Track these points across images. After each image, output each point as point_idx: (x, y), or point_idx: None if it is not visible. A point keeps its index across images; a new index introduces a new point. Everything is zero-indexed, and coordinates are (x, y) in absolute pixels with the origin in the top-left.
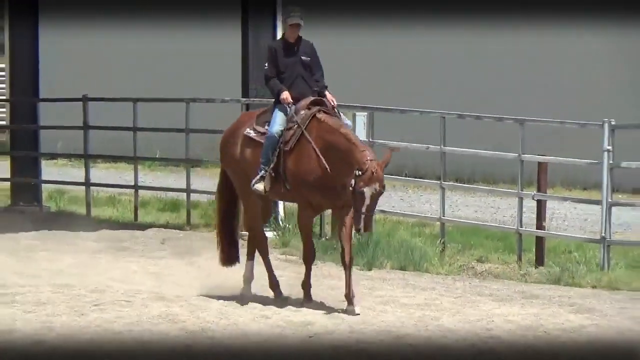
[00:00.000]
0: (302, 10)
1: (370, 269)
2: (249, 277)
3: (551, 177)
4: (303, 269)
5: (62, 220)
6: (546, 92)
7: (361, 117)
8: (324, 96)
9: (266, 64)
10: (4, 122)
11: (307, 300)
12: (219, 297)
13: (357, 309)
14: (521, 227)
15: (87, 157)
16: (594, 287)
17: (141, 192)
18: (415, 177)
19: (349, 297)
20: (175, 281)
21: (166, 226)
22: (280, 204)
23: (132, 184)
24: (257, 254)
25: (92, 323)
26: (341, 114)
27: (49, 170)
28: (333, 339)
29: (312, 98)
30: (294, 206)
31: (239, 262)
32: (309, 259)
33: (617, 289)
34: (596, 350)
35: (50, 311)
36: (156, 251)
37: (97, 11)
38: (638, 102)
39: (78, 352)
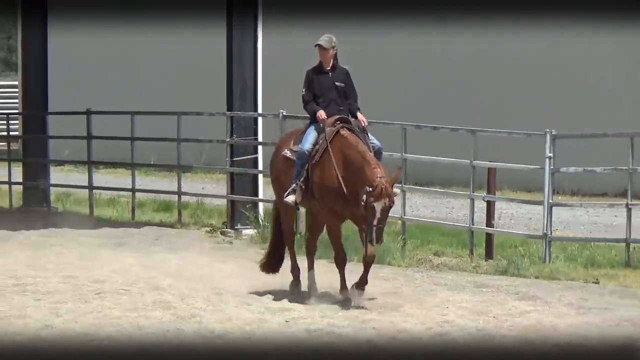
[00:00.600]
0: (331, 36)
1: None
2: (310, 285)
3: (499, 181)
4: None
5: (67, 220)
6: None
7: None
8: (356, 117)
9: (303, 89)
10: (17, 133)
11: (346, 302)
12: (206, 287)
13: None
14: (473, 225)
15: (90, 164)
16: (536, 277)
17: (138, 194)
18: None
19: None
20: (168, 273)
21: (160, 225)
22: (261, 205)
23: (130, 187)
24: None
25: (94, 309)
26: (369, 134)
27: (57, 175)
28: (307, 322)
29: (338, 116)
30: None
31: (277, 271)
32: (340, 263)
33: (556, 279)
34: (538, 331)
35: (57, 299)
36: (151, 246)
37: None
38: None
39: (81, 335)
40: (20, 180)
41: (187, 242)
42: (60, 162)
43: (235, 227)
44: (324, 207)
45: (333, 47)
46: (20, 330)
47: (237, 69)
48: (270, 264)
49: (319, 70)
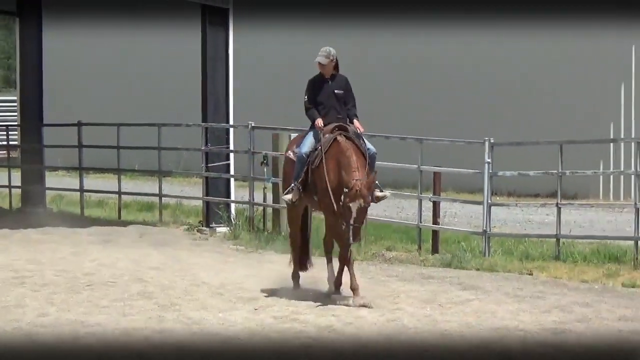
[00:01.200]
0: (330, 49)
1: None
2: (329, 277)
3: (444, 184)
4: (251, 255)
5: (61, 219)
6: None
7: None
8: (353, 123)
9: (306, 96)
10: (15, 142)
11: (357, 296)
12: (184, 279)
13: (360, 300)
14: (421, 222)
15: (81, 170)
16: (477, 269)
17: (123, 196)
18: None
19: (354, 288)
20: (151, 266)
21: (143, 223)
22: (233, 205)
23: (117, 190)
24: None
25: (85, 299)
26: (364, 139)
27: (51, 179)
28: (273, 310)
29: (336, 124)
30: (243, 206)
31: (308, 268)
32: (342, 261)
33: (495, 270)
34: (478, 317)
35: (52, 290)
36: (135, 243)
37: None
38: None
39: (73, 321)
40: (19, 184)
41: (167, 238)
42: (55, 168)
43: (210, 225)
44: (323, 207)
45: (331, 60)
46: (19, 318)
47: (211, 86)
48: (301, 262)
49: (319, 79)
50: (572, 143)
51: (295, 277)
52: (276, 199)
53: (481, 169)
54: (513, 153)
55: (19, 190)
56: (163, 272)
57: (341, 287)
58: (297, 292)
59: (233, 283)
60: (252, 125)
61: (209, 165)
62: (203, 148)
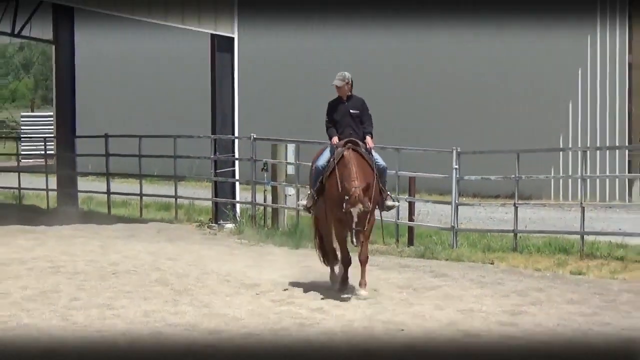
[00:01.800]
0: (345, 73)
1: (297, 248)
2: (337, 275)
3: (418, 187)
4: (253, 248)
5: (91, 217)
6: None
7: (291, 147)
8: (364, 140)
9: (326, 117)
10: (52, 152)
11: (363, 289)
12: (196, 268)
13: (365, 293)
14: (398, 219)
15: (108, 175)
16: (446, 259)
17: (144, 198)
18: None
19: (362, 284)
20: (167, 257)
21: (161, 221)
22: (238, 205)
23: (138, 192)
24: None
25: (111, 286)
26: (374, 152)
27: (82, 183)
28: (272, 294)
29: (348, 139)
30: (246, 206)
31: (336, 264)
32: (346, 264)
33: (461, 260)
34: (447, 300)
35: (83, 278)
36: (154, 237)
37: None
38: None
39: (101, 305)
40: (55, 187)
41: (181, 233)
42: (85, 174)
43: (218, 222)
44: (330, 214)
45: (347, 83)
46: (55, 302)
47: (219, 103)
48: (328, 259)
49: (337, 100)
50: (528, 151)
51: (333, 277)
52: (275, 200)
53: (450, 174)
54: (477, 160)
55: (54, 193)
56: (178, 263)
57: (346, 285)
58: (292, 280)
59: (238, 272)
60: (254, 136)
61: (217, 171)
62: (212, 156)
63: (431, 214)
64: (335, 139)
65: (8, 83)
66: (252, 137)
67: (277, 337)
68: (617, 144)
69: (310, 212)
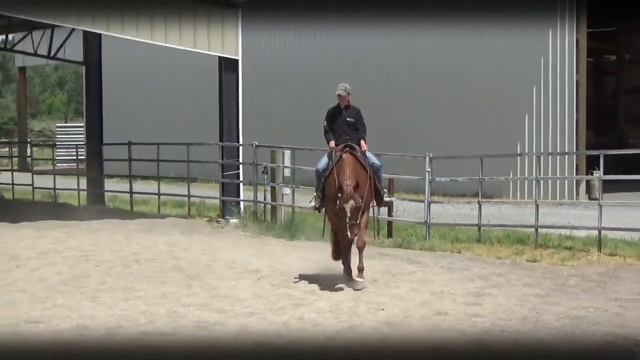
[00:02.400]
0: (346, 84)
1: (293, 240)
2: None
3: (396, 187)
4: (255, 240)
5: (116, 214)
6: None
7: (287, 153)
8: (359, 144)
9: (325, 123)
10: (83, 157)
11: (360, 275)
12: (206, 257)
13: (360, 280)
14: (379, 215)
15: (131, 177)
16: (420, 249)
17: (162, 197)
18: None
19: (360, 268)
20: (182, 247)
21: (176, 216)
22: (242, 203)
23: (157, 192)
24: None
25: (133, 272)
26: (369, 155)
27: (108, 184)
28: (271, 279)
29: (345, 144)
30: (249, 204)
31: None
32: (344, 254)
33: (433, 250)
34: (422, 283)
35: (109, 265)
36: (170, 230)
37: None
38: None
39: (124, 288)
40: (85, 188)
41: (194, 227)
42: (111, 176)
43: (225, 218)
44: (329, 211)
45: (348, 93)
46: (85, 285)
47: (226, 115)
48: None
49: (336, 109)
50: (490, 156)
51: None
52: (273, 198)
53: (423, 176)
54: (446, 164)
55: (84, 192)
56: (191, 252)
57: (353, 275)
58: (288, 266)
59: (242, 260)
60: (256, 144)
61: (224, 173)
62: (220, 161)
63: (407, 210)
64: (332, 143)
65: (45, 98)
66: (254, 145)
67: (276, 315)
68: (566, 150)
69: (319, 212)
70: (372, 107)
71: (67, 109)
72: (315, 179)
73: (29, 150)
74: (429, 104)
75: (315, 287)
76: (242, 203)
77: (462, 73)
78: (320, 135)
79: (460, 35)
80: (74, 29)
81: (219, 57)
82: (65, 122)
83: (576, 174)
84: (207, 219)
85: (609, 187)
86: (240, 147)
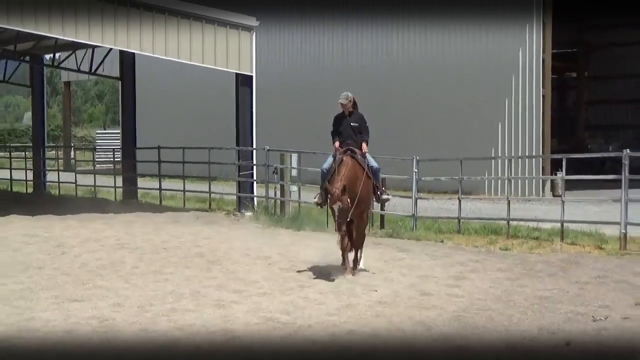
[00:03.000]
0: (348, 93)
1: (299, 230)
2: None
3: (388, 185)
4: (267, 230)
5: (147, 208)
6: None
7: (294, 156)
8: (361, 146)
9: (332, 127)
10: (119, 159)
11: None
12: (225, 245)
13: (359, 266)
14: (373, 209)
15: (160, 176)
16: (408, 239)
17: (187, 193)
18: None
19: (354, 265)
20: (203, 237)
21: (199, 210)
22: (255, 199)
23: (182, 189)
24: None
25: (162, 258)
26: (368, 156)
27: (141, 182)
28: (280, 264)
29: (347, 147)
30: (262, 199)
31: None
32: (341, 248)
33: (419, 239)
34: (410, 267)
35: (141, 252)
36: (194, 222)
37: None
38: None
39: (154, 271)
40: (121, 185)
41: (214, 219)
42: (143, 175)
43: (241, 211)
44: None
45: (350, 101)
46: (121, 269)
47: (242, 123)
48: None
49: (341, 115)
50: (469, 159)
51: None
52: (282, 195)
53: (411, 176)
54: (431, 165)
55: (120, 189)
56: (211, 241)
57: (357, 266)
58: (295, 253)
59: (255, 248)
60: (268, 148)
61: (240, 173)
62: (237, 163)
63: (397, 205)
64: (336, 144)
65: (87, 109)
66: (265, 149)
67: (284, 295)
68: (533, 154)
69: (321, 207)
70: (369, 113)
71: (105, 118)
72: (320, 177)
73: (72, 153)
74: (418, 113)
75: (318, 271)
76: (255, 199)
77: (445, 87)
78: (323, 140)
79: (444, 54)
80: (111, 49)
81: (236, 73)
82: (104, 129)
83: (542, 175)
84: (225, 212)
85: (570, 186)
86: (254, 151)
